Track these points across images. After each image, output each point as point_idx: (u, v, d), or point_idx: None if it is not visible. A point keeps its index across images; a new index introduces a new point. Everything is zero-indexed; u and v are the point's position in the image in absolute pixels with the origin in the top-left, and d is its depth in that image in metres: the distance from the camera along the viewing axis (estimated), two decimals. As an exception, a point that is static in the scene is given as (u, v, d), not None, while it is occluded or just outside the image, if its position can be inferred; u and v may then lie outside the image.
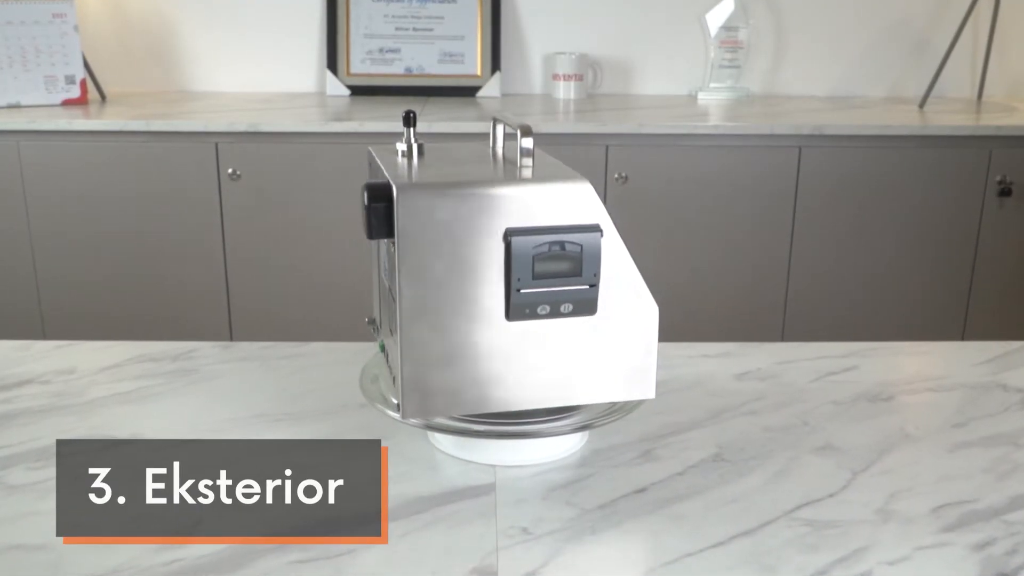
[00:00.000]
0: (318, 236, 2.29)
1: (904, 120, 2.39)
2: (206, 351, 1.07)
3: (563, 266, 0.74)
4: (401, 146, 0.83)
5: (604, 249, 0.75)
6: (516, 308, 0.75)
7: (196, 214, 2.29)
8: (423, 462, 0.83)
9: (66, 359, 1.04)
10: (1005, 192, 2.31)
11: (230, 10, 2.68)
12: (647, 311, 0.78)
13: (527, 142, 0.77)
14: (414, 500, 0.77)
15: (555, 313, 0.76)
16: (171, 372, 1.01)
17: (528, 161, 0.78)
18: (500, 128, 0.86)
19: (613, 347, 0.78)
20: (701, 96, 2.70)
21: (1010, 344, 1.11)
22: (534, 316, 0.76)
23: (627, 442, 0.86)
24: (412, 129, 0.82)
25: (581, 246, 0.74)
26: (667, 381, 0.99)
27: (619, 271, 0.76)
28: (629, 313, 0.77)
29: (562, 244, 0.74)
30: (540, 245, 0.74)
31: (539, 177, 0.76)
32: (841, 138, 2.29)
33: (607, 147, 2.26)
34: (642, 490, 0.79)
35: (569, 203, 0.74)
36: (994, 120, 2.40)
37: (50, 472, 0.81)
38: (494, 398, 0.79)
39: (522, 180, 0.76)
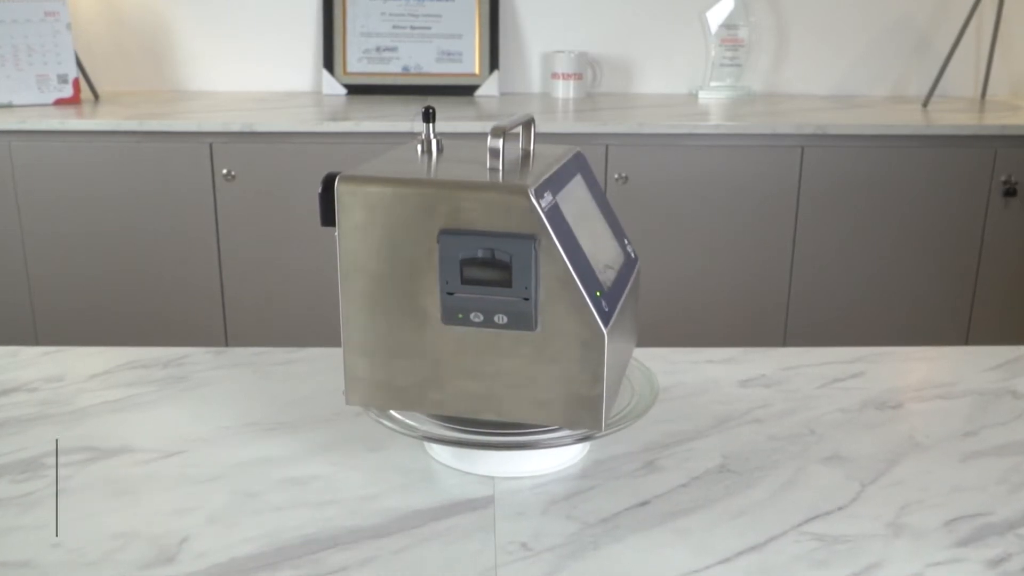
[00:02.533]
0: (314, 238, 2.27)
1: (908, 119, 2.36)
2: (198, 357, 1.04)
3: (492, 274, 0.71)
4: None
5: (543, 263, 0.71)
6: (448, 311, 0.74)
7: (190, 215, 2.27)
8: (419, 474, 0.81)
9: (54, 366, 1.02)
10: (1010, 192, 2.29)
11: (225, 8, 2.66)
12: (593, 337, 0.72)
13: (495, 143, 0.75)
14: (410, 514, 0.75)
15: (489, 323, 0.73)
16: (162, 379, 0.99)
17: (496, 163, 0.75)
18: (532, 128, 0.84)
19: (555, 371, 0.74)
20: (702, 95, 2.68)
21: (1020, 349, 1.08)
22: (468, 323, 0.74)
23: (629, 452, 0.84)
24: (431, 125, 0.81)
25: (511, 255, 0.71)
26: (671, 387, 0.97)
27: (561, 290, 0.72)
28: (572, 337, 0.72)
29: (492, 251, 0.71)
30: (469, 249, 0.71)
31: (481, 180, 0.73)
32: (844, 138, 2.27)
33: (607, 147, 2.24)
34: (645, 503, 0.76)
35: (504, 210, 0.71)
36: (999, 119, 2.38)
37: (35, 484, 0.78)
38: (431, 400, 0.77)
39: (462, 182, 0.73)
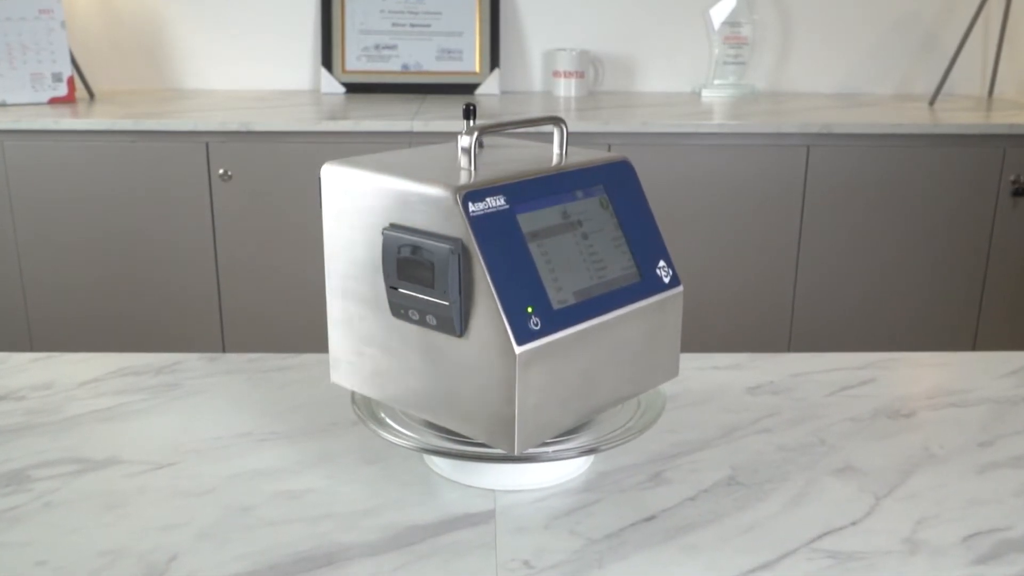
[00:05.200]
0: (312, 239, 2.24)
1: (914, 118, 2.34)
2: (191, 364, 1.02)
3: (420, 273, 0.71)
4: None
5: (470, 271, 0.69)
6: (393, 305, 0.75)
7: (186, 216, 2.24)
8: (418, 487, 0.78)
9: (43, 373, 0.99)
10: (1019, 192, 2.26)
11: (222, 5, 2.63)
12: (506, 354, 0.69)
13: (464, 141, 0.74)
14: (409, 529, 0.72)
15: (423, 322, 0.73)
16: (153, 387, 0.96)
17: (467, 163, 0.74)
18: (563, 129, 0.82)
19: (478, 382, 0.72)
20: (705, 93, 2.65)
21: (1034, 354, 1.06)
22: (407, 319, 0.74)
23: (635, 463, 0.82)
24: (470, 122, 0.79)
25: (434, 257, 0.70)
26: (677, 395, 0.95)
27: (483, 300, 0.70)
28: (492, 350, 0.70)
29: (419, 250, 0.71)
30: (403, 246, 0.72)
31: (422, 180, 0.72)
32: (850, 137, 2.24)
33: (609, 146, 2.21)
34: (651, 517, 0.74)
35: (434, 212, 0.70)
36: (1007, 118, 2.35)
37: (20, 498, 0.76)
38: (387, 392, 0.78)
39: (407, 180, 0.72)
